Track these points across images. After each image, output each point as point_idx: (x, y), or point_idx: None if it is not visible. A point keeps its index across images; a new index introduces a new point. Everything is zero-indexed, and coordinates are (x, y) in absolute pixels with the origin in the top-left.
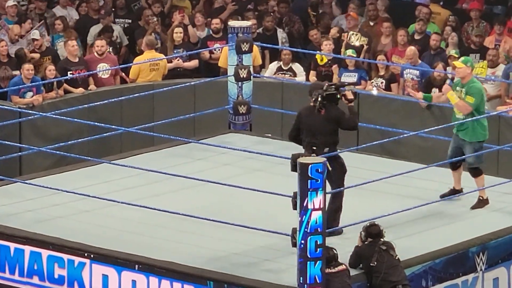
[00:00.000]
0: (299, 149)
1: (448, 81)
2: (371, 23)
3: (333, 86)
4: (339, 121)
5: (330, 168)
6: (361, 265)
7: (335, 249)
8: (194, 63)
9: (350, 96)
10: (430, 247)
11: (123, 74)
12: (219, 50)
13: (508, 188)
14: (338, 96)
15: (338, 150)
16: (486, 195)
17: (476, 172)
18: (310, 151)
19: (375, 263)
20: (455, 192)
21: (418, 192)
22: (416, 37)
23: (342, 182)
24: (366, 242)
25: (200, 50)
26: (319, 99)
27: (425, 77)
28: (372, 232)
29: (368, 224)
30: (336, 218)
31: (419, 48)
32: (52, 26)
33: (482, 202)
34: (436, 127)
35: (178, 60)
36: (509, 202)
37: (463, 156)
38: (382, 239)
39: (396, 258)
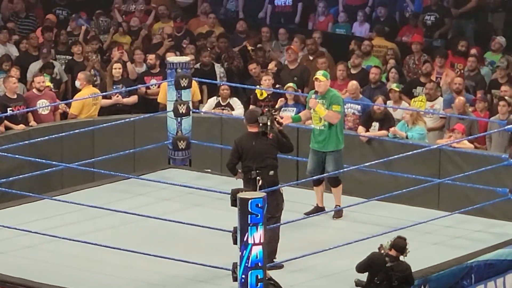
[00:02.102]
0: (239, 184)
1: (314, 95)
2: (311, 57)
3: (273, 110)
4: (280, 144)
5: (261, 183)
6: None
7: (277, 283)
8: (133, 99)
9: (281, 119)
10: None
11: (68, 109)
12: (156, 85)
13: (449, 222)
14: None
15: (279, 185)
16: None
17: (336, 182)
18: (255, 175)
19: (379, 281)
20: (318, 209)
21: (358, 226)
22: (353, 71)
23: (279, 206)
24: (384, 252)
25: (138, 86)
26: (269, 123)
27: (365, 111)
28: (397, 244)
29: (397, 235)
30: (274, 251)
31: (358, 82)
32: None
33: (341, 211)
34: (376, 161)
35: (117, 96)
36: (449, 235)
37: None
38: (398, 259)
39: (394, 285)
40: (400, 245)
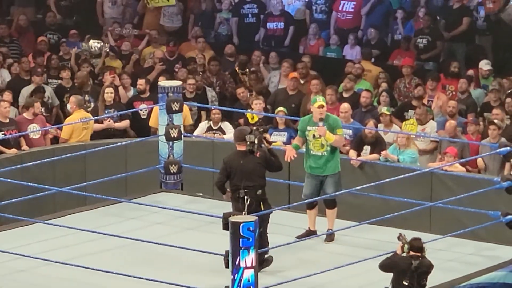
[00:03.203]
0: (231, 208)
1: (321, 123)
2: (302, 81)
3: (261, 129)
4: (268, 163)
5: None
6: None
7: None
8: (125, 123)
9: (269, 138)
10: None
11: (59, 132)
12: (146, 110)
13: (441, 245)
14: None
15: (272, 209)
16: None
17: (333, 204)
18: (243, 194)
19: (407, 283)
20: (310, 233)
21: (350, 250)
22: (345, 95)
23: (266, 222)
24: (405, 254)
25: (130, 110)
26: (256, 141)
27: (356, 135)
28: (415, 245)
29: (413, 237)
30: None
31: (350, 105)
32: None
33: (333, 235)
34: (367, 185)
35: (109, 120)
36: (441, 258)
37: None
38: (422, 257)
39: (423, 283)
40: (417, 246)
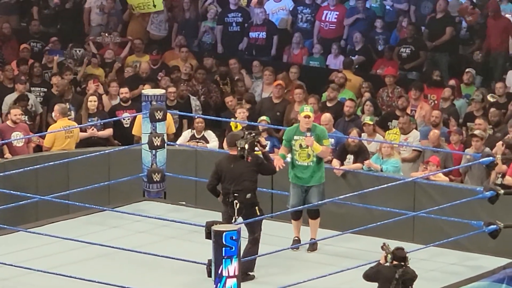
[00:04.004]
0: (214, 216)
1: (308, 133)
2: (284, 91)
3: (253, 134)
4: (260, 168)
5: (239, 206)
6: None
7: None
8: (108, 132)
9: (264, 142)
10: None
11: (41, 141)
12: (129, 119)
13: (423, 255)
14: (256, 143)
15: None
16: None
17: (317, 214)
18: (232, 198)
19: None
20: (298, 242)
21: (333, 259)
22: (328, 104)
23: (259, 226)
24: (389, 264)
25: (114, 118)
26: (246, 146)
27: (339, 144)
28: (398, 255)
29: (395, 247)
30: (252, 267)
31: (333, 115)
32: None
33: (316, 244)
34: (350, 194)
35: (92, 129)
36: (424, 268)
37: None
38: (405, 266)
39: None
40: (400, 256)
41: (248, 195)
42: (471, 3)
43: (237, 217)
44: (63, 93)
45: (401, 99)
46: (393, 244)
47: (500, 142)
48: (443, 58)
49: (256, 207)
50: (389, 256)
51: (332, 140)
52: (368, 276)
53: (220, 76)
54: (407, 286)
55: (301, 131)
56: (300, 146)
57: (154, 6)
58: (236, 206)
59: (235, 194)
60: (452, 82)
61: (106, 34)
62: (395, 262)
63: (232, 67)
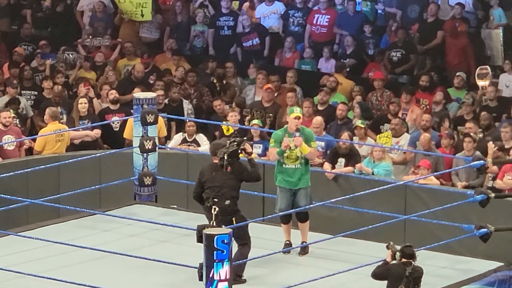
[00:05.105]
0: (205, 220)
1: (297, 134)
2: (275, 94)
3: (235, 143)
4: (243, 176)
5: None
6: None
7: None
8: (97, 131)
9: (249, 149)
10: None
11: (33, 143)
12: (118, 122)
13: None
14: (239, 151)
15: (247, 221)
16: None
17: (306, 217)
18: (211, 203)
19: None
20: (291, 245)
21: (324, 263)
22: (320, 107)
23: (247, 234)
24: (397, 261)
25: (105, 122)
26: (225, 157)
27: (331, 148)
28: (406, 252)
29: (404, 245)
30: (242, 270)
31: (324, 118)
32: None
33: (307, 248)
34: (342, 197)
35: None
36: None
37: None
38: (413, 263)
39: None
40: (409, 253)
41: (227, 202)
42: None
43: (214, 222)
44: (59, 101)
45: (393, 105)
46: (384, 247)
47: (492, 144)
48: (434, 62)
49: (234, 217)
50: (398, 254)
51: (323, 144)
52: (378, 274)
53: (217, 78)
54: (416, 283)
55: (290, 132)
56: (290, 148)
57: (142, 16)
58: (213, 212)
59: (214, 200)
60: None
61: (97, 38)
62: (403, 260)
63: (228, 70)
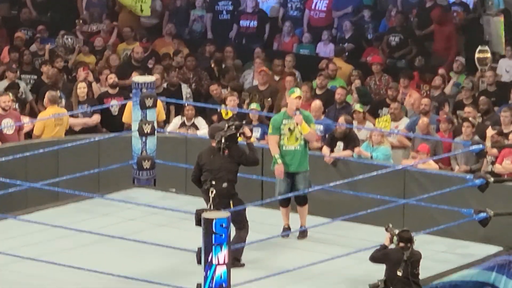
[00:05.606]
0: (204, 204)
1: (297, 112)
2: (277, 78)
3: (233, 126)
4: (241, 159)
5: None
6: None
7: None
8: (96, 118)
9: (248, 133)
10: None
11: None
12: (117, 106)
13: None
14: (238, 135)
15: (244, 205)
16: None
17: (305, 200)
18: (209, 186)
19: (402, 272)
20: (289, 229)
21: (323, 247)
22: (318, 92)
23: (244, 217)
24: (396, 246)
25: (104, 105)
26: (223, 140)
27: (329, 132)
28: (404, 237)
29: (401, 229)
30: (240, 253)
31: (323, 103)
32: None
33: (306, 232)
34: (340, 181)
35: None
36: None
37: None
38: (411, 247)
39: (417, 273)
40: (406, 237)
41: (225, 185)
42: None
43: (212, 205)
44: (56, 82)
45: (391, 90)
46: (383, 231)
47: (491, 129)
48: (432, 46)
49: (231, 200)
50: (395, 238)
51: (321, 127)
52: (376, 258)
53: (215, 62)
54: (414, 267)
55: (289, 115)
56: (289, 129)
57: (142, 11)
58: (211, 194)
59: (212, 182)
60: (441, 71)
61: (95, 23)
62: (401, 244)
63: (227, 55)
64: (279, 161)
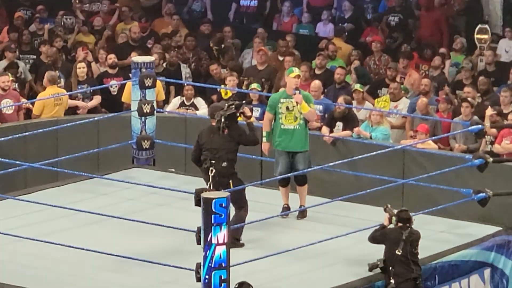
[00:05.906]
0: (203, 183)
1: (297, 91)
2: (280, 58)
3: (233, 106)
4: (241, 139)
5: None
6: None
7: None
8: (97, 100)
9: (248, 112)
10: (335, 281)
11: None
12: (116, 86)
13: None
14: (238, 114)
15: (244, 185)
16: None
17: (305, 180)
18: (209, 165)
19: (401, 251)
20: (289, 208)
21: (322, 227)
22: (317, 71)
23: (244, 197)
24: (395, 226)
25: (103, 86)
26: (222, 119)
27: (328, 112)
28: (402, 217)
29: (399, 209)
30: (240, 233)
31: (322, 82)
32: None
33: (305, 211)
34: (340, 161)
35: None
36: None
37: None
38: (410, 227)
39: (416, 252)
40: (405, 217)
41: (224, 164)
42: None
43: (212, 184)
44: (55, 62)
45: (390, 70)
46: (382, 211)
47: (490, 109)
48: None
49: (231, 180)
50: (394, 218)
51: (321, 107)
52: (375, 238)
53: (214, 42)
54: (413, 246)
55: (288, 93)
56: (287, 108)
57: None
58: (211, 173)
59: (212, 161)
60: (442, 50)
61: (95, 3)
62: (400, 224)
63: (226, 35)
64: (264, 139)
